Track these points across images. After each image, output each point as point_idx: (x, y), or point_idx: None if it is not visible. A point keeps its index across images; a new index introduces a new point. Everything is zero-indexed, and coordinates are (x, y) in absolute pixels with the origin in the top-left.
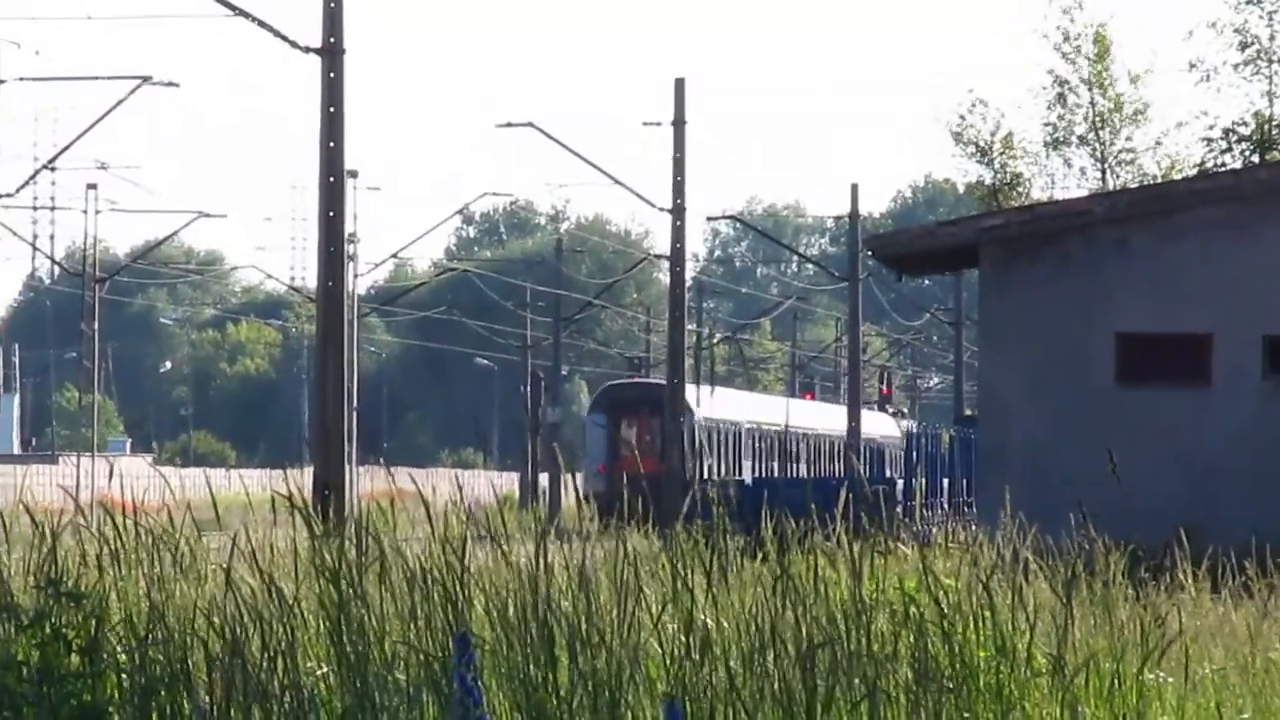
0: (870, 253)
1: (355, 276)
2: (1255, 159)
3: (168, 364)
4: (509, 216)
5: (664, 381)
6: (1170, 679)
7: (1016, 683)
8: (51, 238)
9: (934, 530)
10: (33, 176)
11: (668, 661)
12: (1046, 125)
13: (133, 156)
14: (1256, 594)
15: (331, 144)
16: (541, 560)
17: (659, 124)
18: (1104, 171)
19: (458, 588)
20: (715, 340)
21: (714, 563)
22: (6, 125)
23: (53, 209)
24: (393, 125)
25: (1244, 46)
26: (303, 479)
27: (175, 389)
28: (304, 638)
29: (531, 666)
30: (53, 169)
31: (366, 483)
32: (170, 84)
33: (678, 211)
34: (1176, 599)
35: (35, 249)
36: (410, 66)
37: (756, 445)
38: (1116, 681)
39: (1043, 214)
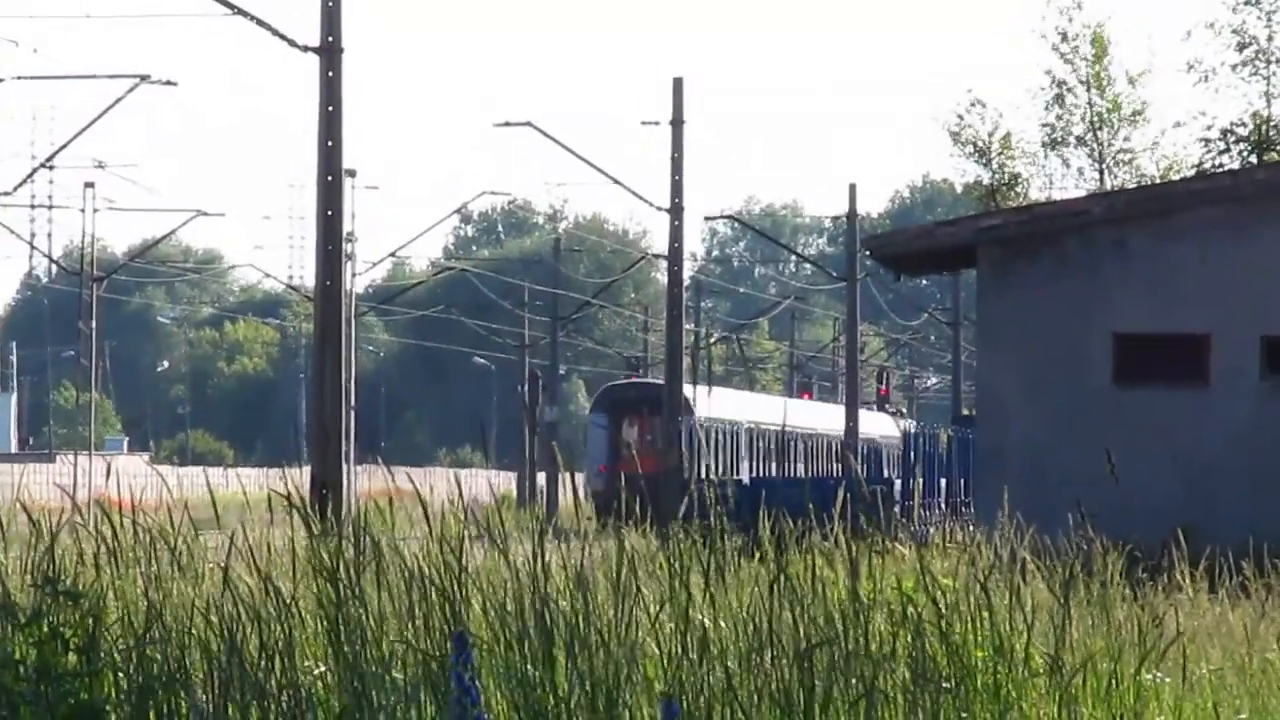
0: (868, 253)
1: (353, 275)
2: (1253, 160)
3: (165, 363)
4: (507, 216)
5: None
6: (1168, 679)
7: (1014, 683)
8: (49, 236)
9: (931, 530)
10: (31, 175)
11: (665, 661)
12: (1044, 126)
13: (131, 155)
14: (1254, 594)
15: (330, 143)
16: (539, 560)
17: (657, 123)
18: (1102, 172)
19: (455, 587)
20: (713, 340)
21: (711, 562)
22: (4, 123)
23: (50, 207)
24: (391, 124)
25: (1242, 47)
26: (300, 478)
27: (173, 388)
28: (301, 637)
29: (529, 666)
30: (51, 167)
31: (364, 482)
32: (168, 83)
33: (676, 211)
34: (1174, 599)
35: (33, 247)
36: (409, 66)
37: (756, 445)
38: (1114, 682)
39: (1041, 214)
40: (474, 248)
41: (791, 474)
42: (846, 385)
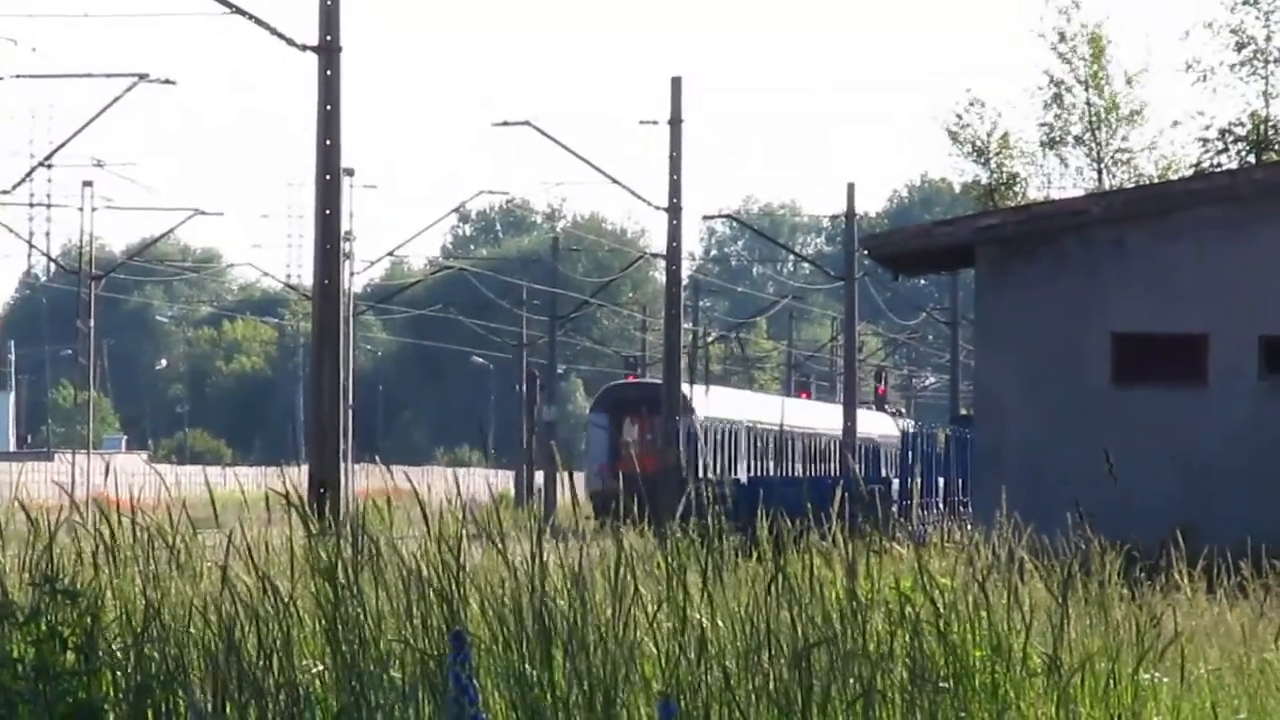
0: (866, 252)
1: (351, 274)
2: (1251, 159)
3: (163, 361)
4: (505, 215)
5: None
6: (1166, 679)
7: (1012, 682)
8: (48, 235)
9: (929, 530)
10: (29, 173)
11: (663, 661)
12: (1043, 125)
13: (129, 154)
14: (1252, 594)
15: (328, 142)
16: (538, 559)
17: (655, 123)
18: (1100, 172)
19: (453, 586)
20: (711, 339)
21: (709, 562)
22: (3, 122)
23: (49, 206)
24: (389, 123)
25: (1240, 47)
26: (298, 477)
27: (171, 386)
28: (299, 636)
29: (527, 665)
30: (49, 166)
31: (362, 481)
32: (167, 81)
33: (674, 210)
34: (1172, 599)
35: (31, 246)
36: (407, 65)
37: (755, 445)
38: (1112, 681)
39: (1039, 214)
40: (472, 247)
41: (790, 473)
42: (844, 385)
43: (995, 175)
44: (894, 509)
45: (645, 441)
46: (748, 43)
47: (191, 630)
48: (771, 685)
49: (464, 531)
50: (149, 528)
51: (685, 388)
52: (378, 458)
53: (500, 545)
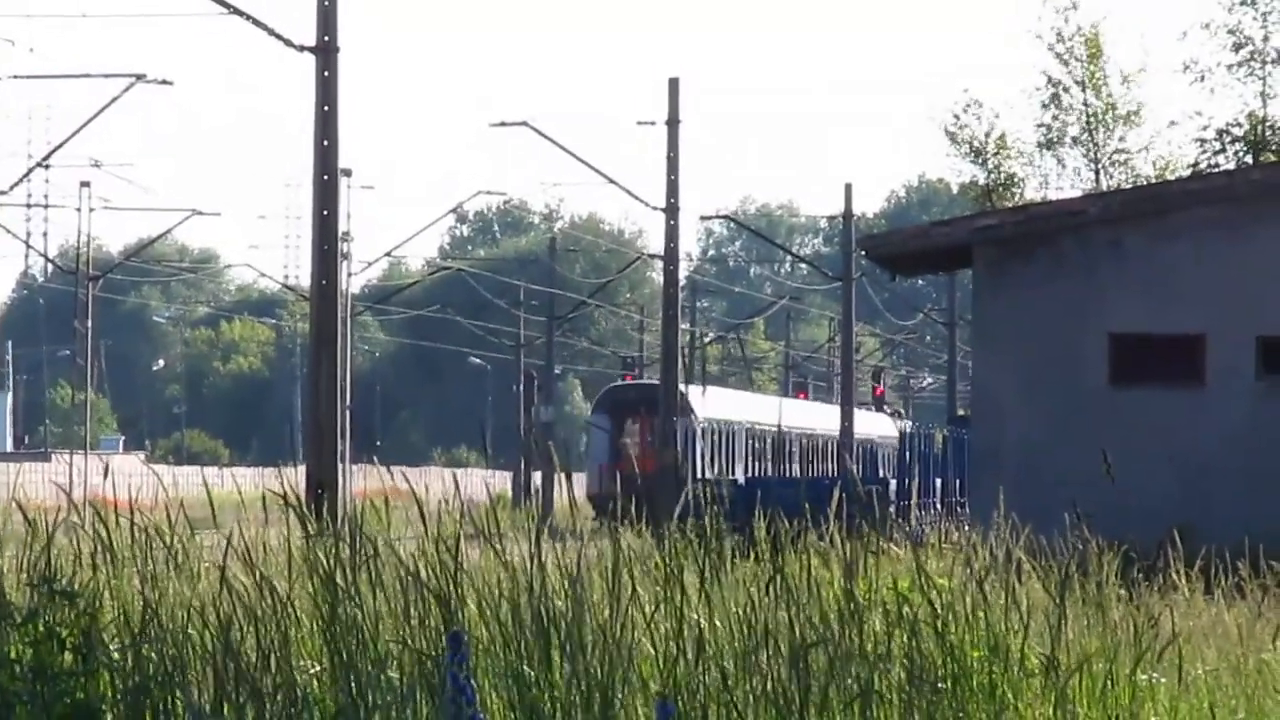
0: (864, 252)
1: (349, 275)
2: (1249, 160)
3: (161, 362)
4: (503, 215)
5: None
6: (1163, 680)
7: (1009, 683)
8: (45, 235)
9: (927, 530)
10: (27, 174)
11: (661, 661)
12: (1040, 126)
13: (127, 154)
14: (1250, 595)
15: (325, 142)
16: (536, 559)
17: (653, 123)
18: (1098, 172)
19: (451, 587)
20: (708, 340)
21: (706, 562)
22: (1, 123)
23: (46, 206)
24: (387, 124)
25: (1238, 48)
26: (296, 477)
27: (168, 387)
28: (297, 636)
29: (525, 665)
30: (47, 166)
31: (360, 481)
32: (164, 82)
33: (671, 211)
34: (1170, 600)
35: (29, 246)
36: (405, 65)
37: (754, 445)
38: (1109, 682)
39: (1037, 214)
40: (470, 247)
41: (787, 474)
42: (841, 385)
43: (993, 176)
44: (892, 509)
45: (646, 442)
46: (745, 43)
47: (189, 631)
48: (769, 685)
49: (461, 532)
50: (147, 528)
51: (685, 388)
52: (375, 458)
53: (497, 546)
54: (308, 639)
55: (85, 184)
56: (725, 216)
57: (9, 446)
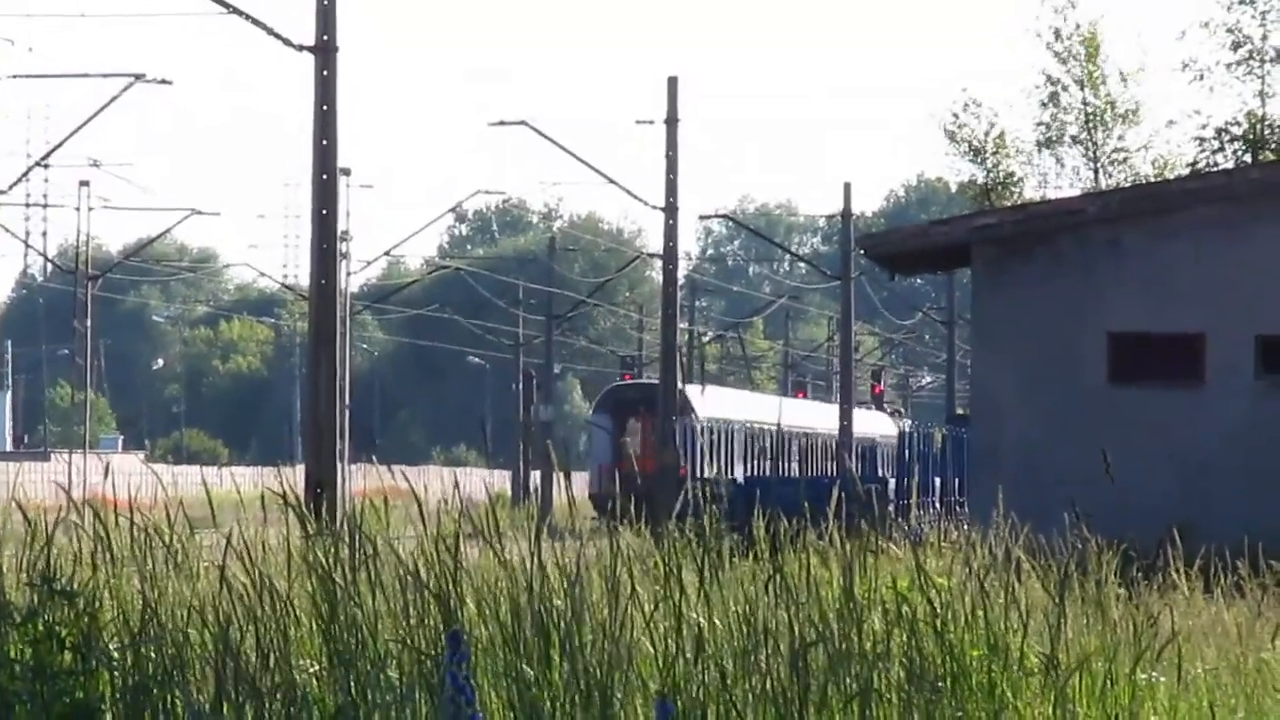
0: (863, 251)
1: (348, 274)
2: (1248, 159)
3: (160, 361)
4: (502, 215)
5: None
6: (1163, 679)
7: (1009, 682)
8: (44, 235)
9: (926, 529)
10: (26, 173)
11: (660, 660)
12: (1039, 125)
13: (126, 154)
14: (1249, 594)
15: (324, 142)
16: (535, 558)
17: (652, 123)
18: (1096, 171)
19: (450, 586)
20: (707, 339)
21: (705, 561)
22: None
23: (45, 206)
24: (386, 123)
25: (1236, 46)
26: (295, 477)
27: (167, 386)
28: (297, 636)
29: (524, 665)
30: (46, 166)
31: (359, 480)
32: (163, 81)
33: (670, 210)
34: (1169, 599)
35: (28, 246)
36: (404, 64)
37: (754, 444)
38: (1109, 681)
39: (1035, 213)
40: (469, 247)
41: (786, 473)
42: (841, 384)
43: (992, 175)
44: (891, 508)
45: (648, 442)
46: (744, 46)
47: (189, 630)
48: (768, 685)
49: (460, 531)
50: (146, 528)
51: (686, 387)
52: (374, 458)
53: (496, 545)
54: (307, 638)
55: (84, 183)
56: (724, 216)
57: (8, 446)
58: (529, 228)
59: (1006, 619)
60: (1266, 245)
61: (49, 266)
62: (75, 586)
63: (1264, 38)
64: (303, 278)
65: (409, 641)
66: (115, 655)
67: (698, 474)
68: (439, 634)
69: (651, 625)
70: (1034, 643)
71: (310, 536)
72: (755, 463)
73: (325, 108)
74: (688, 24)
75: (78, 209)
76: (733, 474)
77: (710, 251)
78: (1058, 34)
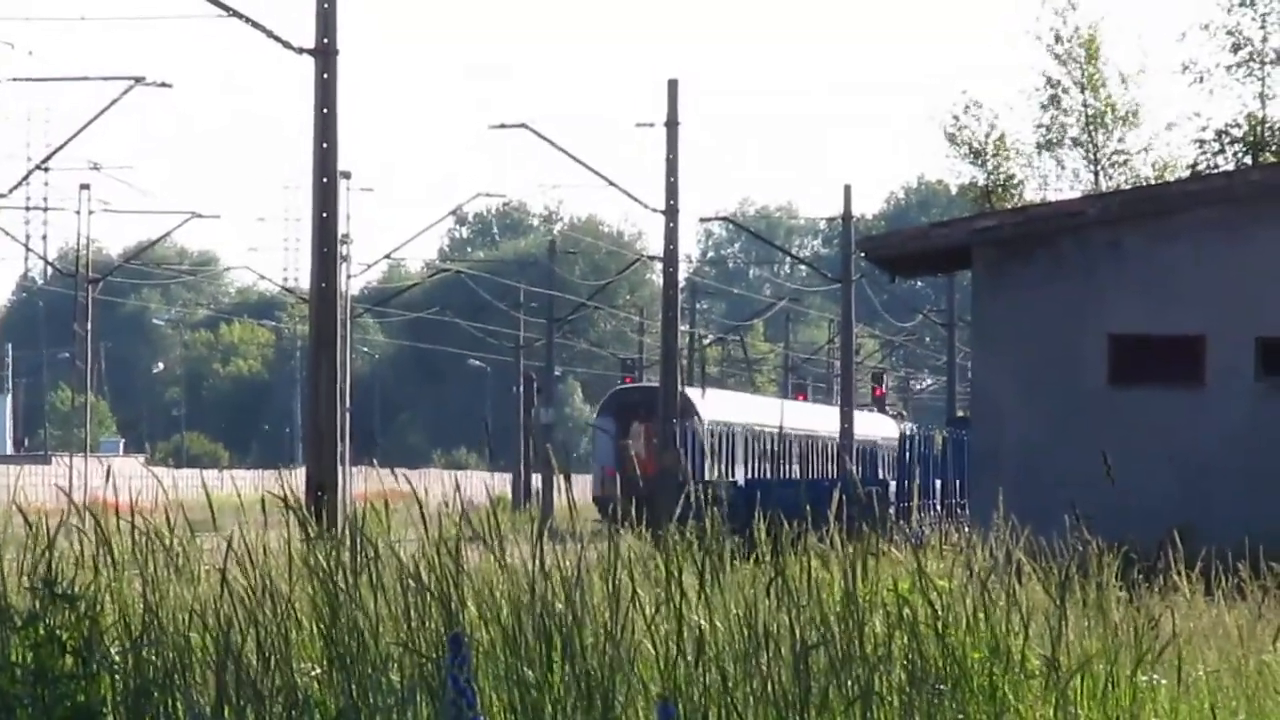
0: (863, 254)
1: (348, 277)
2: (1248, 161)
3: (160, 365)
4: (502, 217)
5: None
6: (1164, 681)
7: (1010, 684)
8: (44, 238)
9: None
10: (26, 177)
11: (661, 663)
12: (1039, 127)
13: (126, 157)
14: (1250, 596)
15: (325, 145)
16: (537, 561)
17: (652, 125)
18: (1097, 173)
19: (451, 589)
20: (708, 341)
21: (706, 563)
22: (0, 126)
23: (45, 209)
24: (386, 126)
25: (1236, 48)
26: (296, 480)
27: (168, 390)
28: (298, 639)
29: (525, 668)
30: (46, 169)
31: (359, 483)
32: (163, 85)
33: (671, 213)
34: (1170, 601)
35: (28, 249)
36: (404, 67)
37: (756, 447)
38: (1110, 684)
39: (1036, 215)
40: (469, 249)
41: (787, 475)
42: (841, 387)
43: (992, 177)
44: (891, 511)
45: (651, 445)
46: (744, 46)
47: (190, 634)
48: (770, 687)
49: (460, 534)
50: (147, 531)
51: (687, 390)
52: (375, 460)
53: (497, 548)
54: (308, 641)
55: (85, 186)
56: (724, 218)
57: (9, 449)
58: (529, 230)
59: (1008, 621)
60: (1267, 247)
61: (49, 270)
62: (76, 590)
63: (1264, 40)
64: (303, 280)
65: (410, 644)
66: (116, 659)
67: (700, 476)
68: (440, 637)
69: (653, 628)
70: (1035, 645)
71: (311, 539)
72: (756, 465)
73: (325, 111)
74: (688, 24)
75: (78, 212)
76: (733, 476)
77: (711, 254)
78: (1058, 37)
